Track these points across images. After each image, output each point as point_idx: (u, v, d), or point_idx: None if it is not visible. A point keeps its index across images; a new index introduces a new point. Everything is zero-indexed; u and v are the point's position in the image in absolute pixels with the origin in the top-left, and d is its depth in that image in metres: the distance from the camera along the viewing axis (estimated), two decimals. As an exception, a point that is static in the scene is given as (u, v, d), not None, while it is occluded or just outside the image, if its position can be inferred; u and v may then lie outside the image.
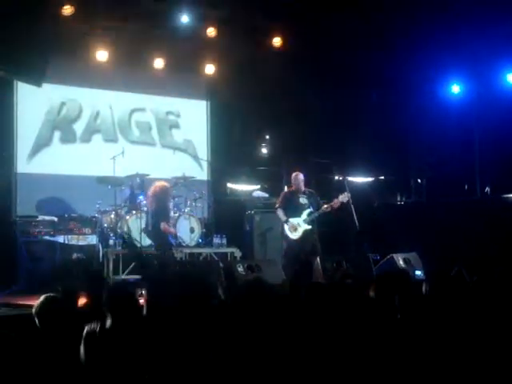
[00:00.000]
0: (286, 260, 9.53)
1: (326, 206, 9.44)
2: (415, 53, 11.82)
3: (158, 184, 9.60)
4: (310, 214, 9.48)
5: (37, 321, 4.35)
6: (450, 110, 12.37)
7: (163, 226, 9.30)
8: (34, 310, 4.38)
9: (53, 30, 10.46)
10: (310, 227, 9.46)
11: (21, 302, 7.62)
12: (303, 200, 9.57)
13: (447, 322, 4.01)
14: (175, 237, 10.34)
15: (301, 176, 9.71)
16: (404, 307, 4.32)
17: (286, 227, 9.59)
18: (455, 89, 12.85)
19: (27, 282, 9.36)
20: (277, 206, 9.86)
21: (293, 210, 9.55)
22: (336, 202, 9.43)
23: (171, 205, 10.23)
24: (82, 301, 5.44)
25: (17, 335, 3.36)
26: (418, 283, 4.74)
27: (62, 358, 3.61)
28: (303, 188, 9.68)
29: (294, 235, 9.52)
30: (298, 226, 9.48)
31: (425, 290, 4.65)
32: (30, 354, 3.49)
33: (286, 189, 10.66)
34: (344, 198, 9.37)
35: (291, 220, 9.52)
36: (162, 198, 9.45)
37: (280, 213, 9.70)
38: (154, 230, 9.42)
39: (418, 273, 9.20)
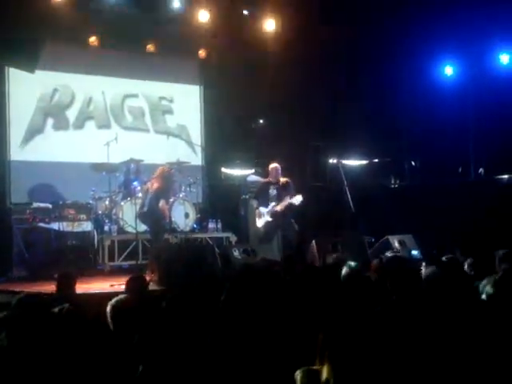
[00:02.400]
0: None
1: (278, 206, 9.67)
2: (408, 35, 11.79)
3: (165, 167, 9.77)
4: (273, 207, 9.80)
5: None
6: (443, 92, 12.37)
7: (162, 203, 9.31)
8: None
9: (45, 15, 10.41)
10: (270, 219, 9.73)
11: (16, 289, 7.61)
12: (273, 192, 9.86)
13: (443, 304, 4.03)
14: (169, 222, 10.32)
15: (277, 167, 9.97)
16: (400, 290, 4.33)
17: (256, 213, 10.05)
18: (448, 70, 12.85)
19: (22, 269, 9.34)
20: (254, 195, 10.45)
21: (263, 200, 9.94)
22: (284, 205, 9.62)
23: (172, 192, 10.25)
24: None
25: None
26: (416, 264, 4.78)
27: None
28: (279, 179, 9.92)
29: (258, 222, 9.96)
30: (262, 216, 9.89)
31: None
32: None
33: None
34: (296, 201, 9.55)
35: (260, 209, 9.95)
36: (167, 179, 9.55)
37: (253, 202, 10.32)
38: (150, 210, 9.36)
39: (414, 253, 9.28)
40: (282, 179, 9.94)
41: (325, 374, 2.66)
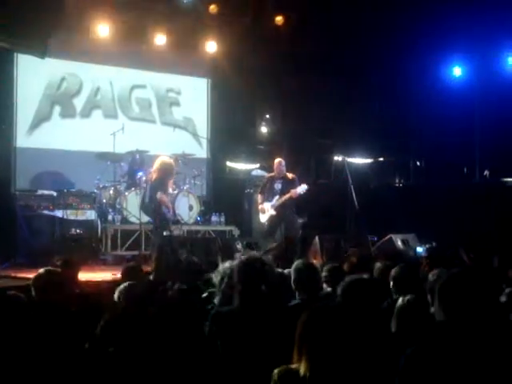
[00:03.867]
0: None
1: (282, 199, 9.72)
2: (417, 35, 11.78)
3: (164, 158, 9.58)
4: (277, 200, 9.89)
5: (33, 292, 4.37)
6: (451, 93, 12.36)
7: (160, 195, 9.10)
8: (31, 282, 4.41)
9: (54, 2, 10.40)
10: (274, 213, 9.80)
11: (20, 275, 7.66)
12: (277, 186, 9.94)
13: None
14: (173, 214, 10.29)
15: (281, 162, 10.03)
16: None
17: (260, 209, 10.11)
18: (456, 71, 12.83)
19: (26, 255, 9.37)
20: (259, 190, 10.43)
21: (268, 194, 10.00)
22: (293, 193, 9.67)
23: (172, 182, 10.16)
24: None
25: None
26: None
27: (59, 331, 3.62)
28: (283, 173, 9.97)
29: (262, 218, 10.03)
30: (266, 210, 9.95)
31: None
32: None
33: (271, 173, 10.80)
34: (301, 189, 9.65)
35: (264, 204, 10.00)
36: (164, 171, 9.33)
37: (258, 197, 10.32)
38: (150, 202, 9.28)
39: (419, 250, 9.32)
40: (288, 174, 9.98)
41: (302, 369, 2.62)
